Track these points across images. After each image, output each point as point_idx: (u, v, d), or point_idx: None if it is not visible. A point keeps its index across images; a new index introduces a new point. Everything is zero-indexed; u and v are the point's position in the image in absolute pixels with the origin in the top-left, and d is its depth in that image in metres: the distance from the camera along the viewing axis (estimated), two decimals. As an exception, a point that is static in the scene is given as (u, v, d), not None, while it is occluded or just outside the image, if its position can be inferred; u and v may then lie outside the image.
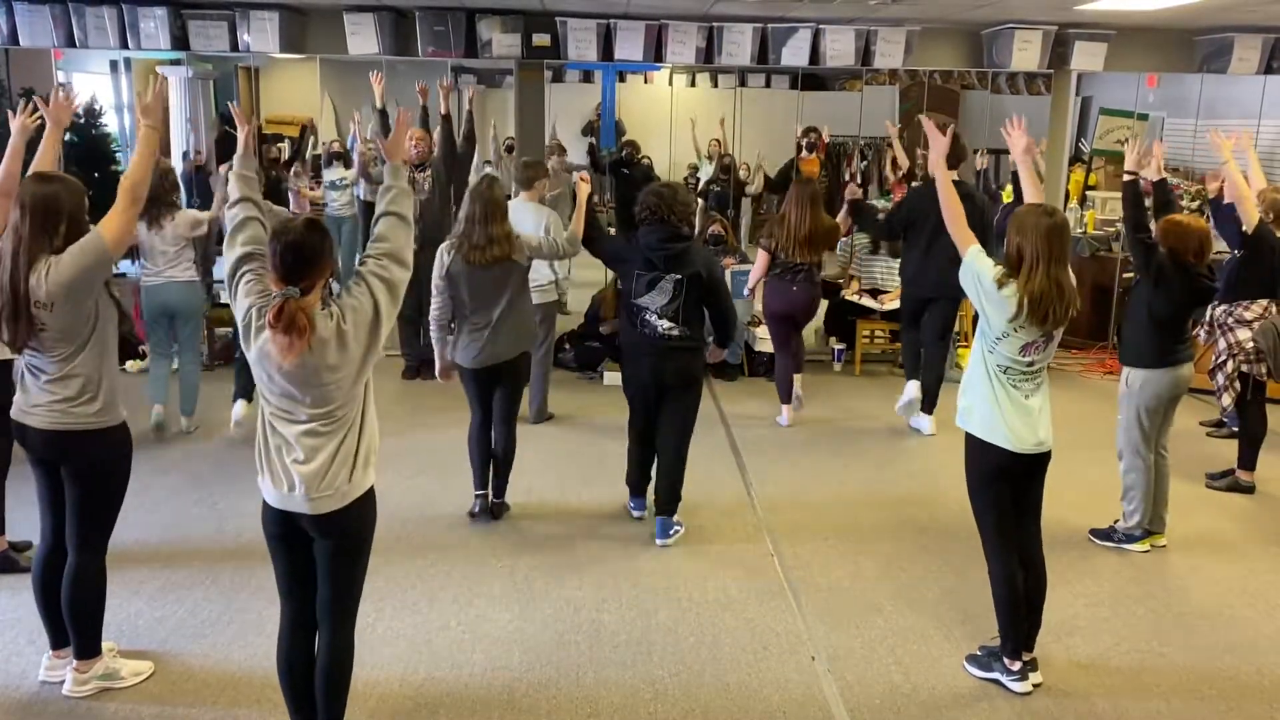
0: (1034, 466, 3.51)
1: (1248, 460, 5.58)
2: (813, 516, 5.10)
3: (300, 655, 2.97)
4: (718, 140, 11.61)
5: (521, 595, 4.20)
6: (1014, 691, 3.54)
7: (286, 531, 2.87)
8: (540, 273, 6.05)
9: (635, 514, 4.99)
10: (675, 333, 4.54)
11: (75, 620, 3.37)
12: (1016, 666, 3.55)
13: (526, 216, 5.85)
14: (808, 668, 3.71)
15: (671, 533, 4.73)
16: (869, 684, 3.61)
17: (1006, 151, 8.81)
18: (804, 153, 11.67)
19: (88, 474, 3.28)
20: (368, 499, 2.89)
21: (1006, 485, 3.52)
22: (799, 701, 3.49)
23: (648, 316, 4.55)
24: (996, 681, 3.59)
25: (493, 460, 4.97)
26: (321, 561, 2.89)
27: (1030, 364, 3.43)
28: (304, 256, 2.67)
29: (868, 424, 6.65)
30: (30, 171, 3.32)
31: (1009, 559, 3.54)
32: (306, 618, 2.95)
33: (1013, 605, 3.53)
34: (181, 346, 6.14)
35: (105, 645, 3.49)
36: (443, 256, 4.72)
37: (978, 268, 3.40)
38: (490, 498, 4.98)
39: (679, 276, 4.47)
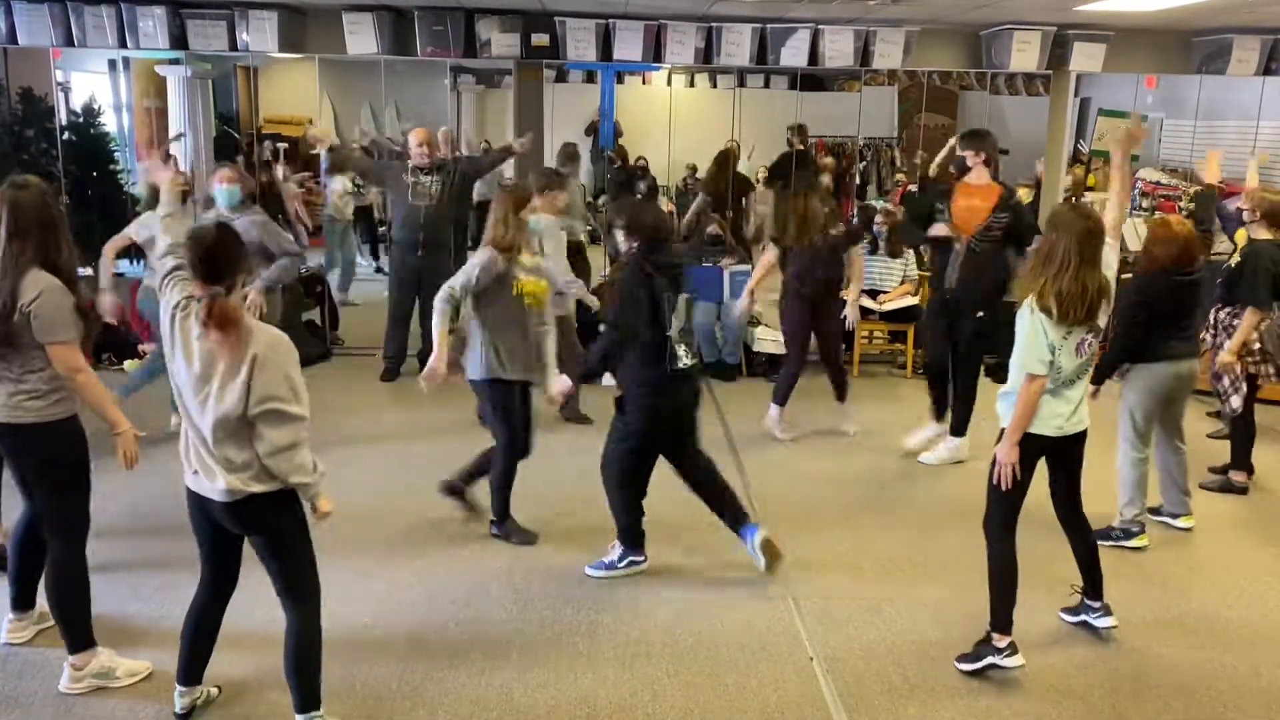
0: (1073, 444, 3.72)
1: (1240, 461, 5.59)
2: (811, 517, 5.09)
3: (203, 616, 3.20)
4: (737, 141, 11.54)
5: (519, 596, 4.20)
6: (1007, 669, 3.58)
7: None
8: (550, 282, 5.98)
9: (641, 565, 4.42)
10: (694, 360, 4.26)
11: (62, 611, 3.37)
12: (1004, 643, 3.59)
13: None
14: (806, 668, 3.70)
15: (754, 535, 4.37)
16: (867, 684, 3.61)
17: (1005, 151, 8.86)
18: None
19: (38, 467, 3.31)
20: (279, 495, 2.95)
21: (1031, 469, 3.66)
22: (797, 702, 3.49)
23: (677, 351, 4.16)
24: (991, 665, 3.60)
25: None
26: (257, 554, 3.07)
27: (1087, 363, 3.60)
28: (221, 259, 2.86)
29: (867, 425, 6.63)
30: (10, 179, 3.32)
31: (1010, 539, 3.65)
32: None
33: (1006, 579, 3.62)
34: None
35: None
36: (497, 262, 4.36)
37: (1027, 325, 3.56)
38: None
39: (686, 294, 4.25)
